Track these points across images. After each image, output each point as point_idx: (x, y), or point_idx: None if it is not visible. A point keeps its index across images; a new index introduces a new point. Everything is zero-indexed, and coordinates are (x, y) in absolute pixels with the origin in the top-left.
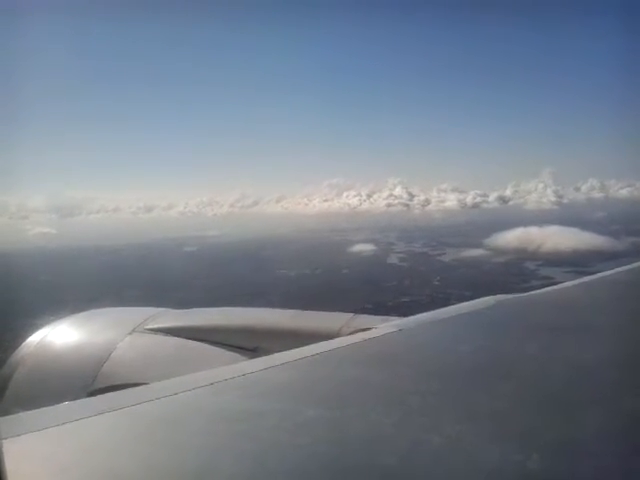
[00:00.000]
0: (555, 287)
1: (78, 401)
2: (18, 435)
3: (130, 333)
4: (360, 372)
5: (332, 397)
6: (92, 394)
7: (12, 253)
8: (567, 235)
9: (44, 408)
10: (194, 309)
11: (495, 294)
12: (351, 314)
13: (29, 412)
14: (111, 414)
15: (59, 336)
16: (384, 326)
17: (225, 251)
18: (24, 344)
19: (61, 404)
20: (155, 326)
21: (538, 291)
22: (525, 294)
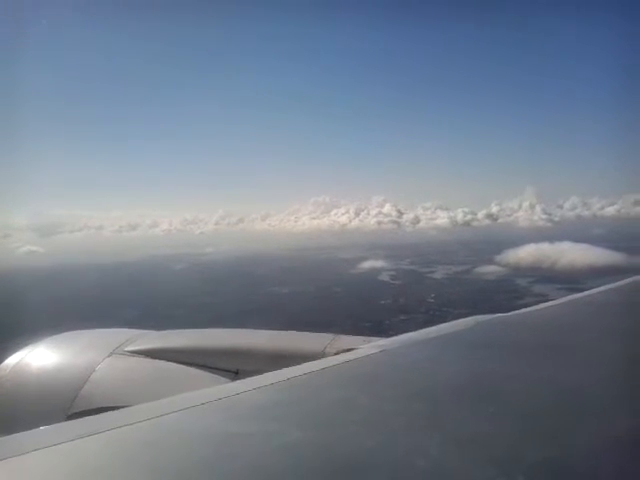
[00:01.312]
0: (536, 307)
1: (56, 425)
2: None
3: (109, 355)
4: (344, 393)
5: (316, 419)
6: (71, 417)
7: (1, 272)
8: (581, 251)
9: (21, 433)
10: (174, 330)
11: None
12: (333, 335)
13: (6, 437)
14: (91, 438)
15: (37, 358)
16: (367, 347)
17: (215, 269)
18: (0, 367)
19: (39, 428)
20: (135, 348)
21: (519, 311)
22: (506, 314)
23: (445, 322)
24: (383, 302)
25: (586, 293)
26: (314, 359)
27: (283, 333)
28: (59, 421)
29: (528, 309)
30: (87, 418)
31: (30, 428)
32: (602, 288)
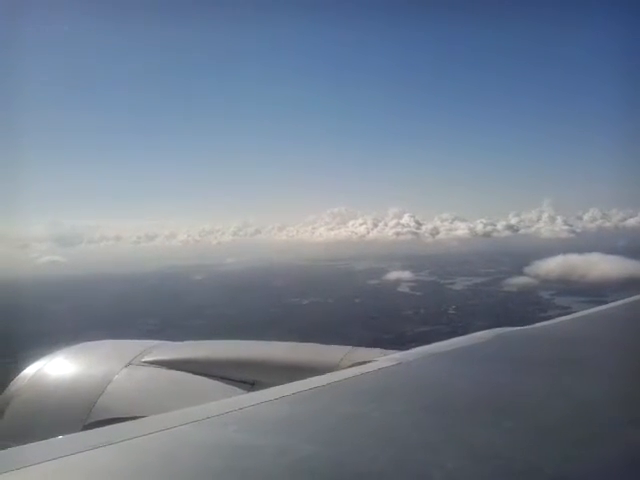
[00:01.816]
0: (555, 320)
1: (73, 435)
2: (12, 470)
3: (126, 366)
4: (359, 406)
5: (330, 432)
6: (88, 427)
7: (24, 282)
8: (611, 263)
9: (39, 442)
10: (191, 342)
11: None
12: (350, 347)
13: (23, 446)
14: (107, 448)
15: (54, 368)
16: (383, 359)
17: (234, 280)
18: (19, 377)
19: (56, 438)
20: (152, 359)
21: (538, 324)
22: (525, 327)
23: (467, 334)
24: (404, 313)
25: (604, 307)
26: (330, 371)
27: (299, 345)
28: (76, 431)
29: (546, 322)
30: (103, 428)
31: (47, 437)
32: (620, 302)
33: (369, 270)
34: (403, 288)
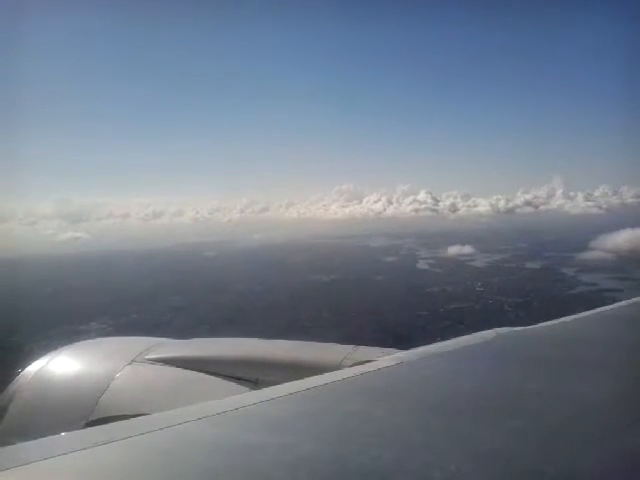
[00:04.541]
0: (557, 321)
1: (76, 432)
2: (15, 467)
3: (130, 363)
4: (361, 406)
5: (333, 431)
6: (90, 425)
7: (49, 259)
8: None
9: (41, 439)
10: (194, 339)
11: None
12: (352, 346)
13: (26, 443)
14: (109, 445)
15: (57, 366)
16: (385, 359)
17: (250, 257)
18: (21, 374)
19: (59, 435)
20: (155, 356)
21: (540, 325)
22: (526, 327)
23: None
24: (429, 290)
25: (605, 308)
26: (332, 370)
27: (302, 344)
28: (78, 428)
29: (548, 323)
30: (106, 426)
31: (50, 435)
32: (623, 303)
33: (387, 247)
34: (421, 265)
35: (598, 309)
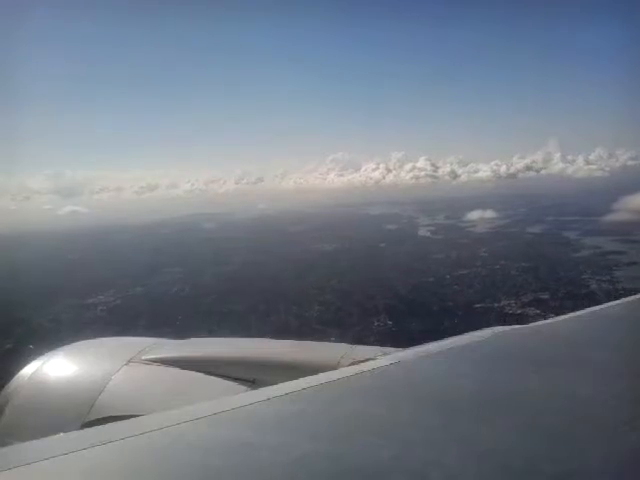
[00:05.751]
0: (555, 319)
1: (72, 433)
2: (11, 468)
3: (126, 364)
4: (359, 405)
5: (331, 430)
6: (87, 426)
7: (52, 235)
8: None
9: (38, 440)
10: (191, 339)
11: None
12: (349, 345)
13: (23, 444)
14: (106, 446)
15: (53, 367)
16: (382, 358)
17: (251, 227)
18: (17, 376)
19: (55, 436)
20: (152, 357)
21: (537, 323)
22: (523, 326)
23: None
24: (434, 257)
25: (604, 305)
26: (330, 370)
27: (299, 343)
28: (75, 429)
29: (546, 321)
30: (103, 426)
31: (47, 436)
32: (622, 300)
33: (387, 215)
34: (423, 232)
35: (595, 307)
